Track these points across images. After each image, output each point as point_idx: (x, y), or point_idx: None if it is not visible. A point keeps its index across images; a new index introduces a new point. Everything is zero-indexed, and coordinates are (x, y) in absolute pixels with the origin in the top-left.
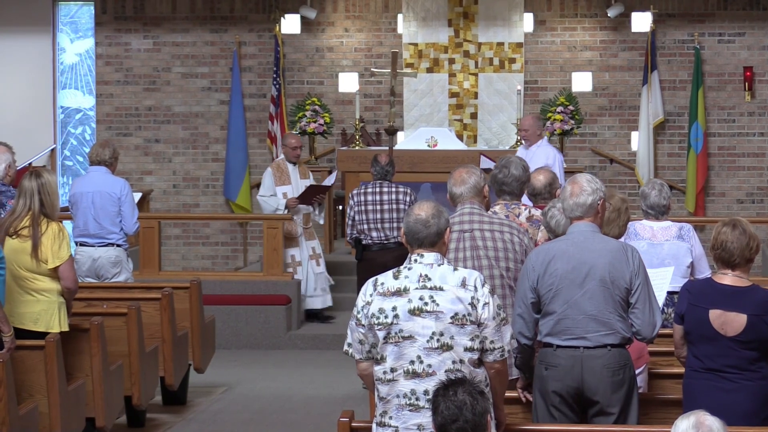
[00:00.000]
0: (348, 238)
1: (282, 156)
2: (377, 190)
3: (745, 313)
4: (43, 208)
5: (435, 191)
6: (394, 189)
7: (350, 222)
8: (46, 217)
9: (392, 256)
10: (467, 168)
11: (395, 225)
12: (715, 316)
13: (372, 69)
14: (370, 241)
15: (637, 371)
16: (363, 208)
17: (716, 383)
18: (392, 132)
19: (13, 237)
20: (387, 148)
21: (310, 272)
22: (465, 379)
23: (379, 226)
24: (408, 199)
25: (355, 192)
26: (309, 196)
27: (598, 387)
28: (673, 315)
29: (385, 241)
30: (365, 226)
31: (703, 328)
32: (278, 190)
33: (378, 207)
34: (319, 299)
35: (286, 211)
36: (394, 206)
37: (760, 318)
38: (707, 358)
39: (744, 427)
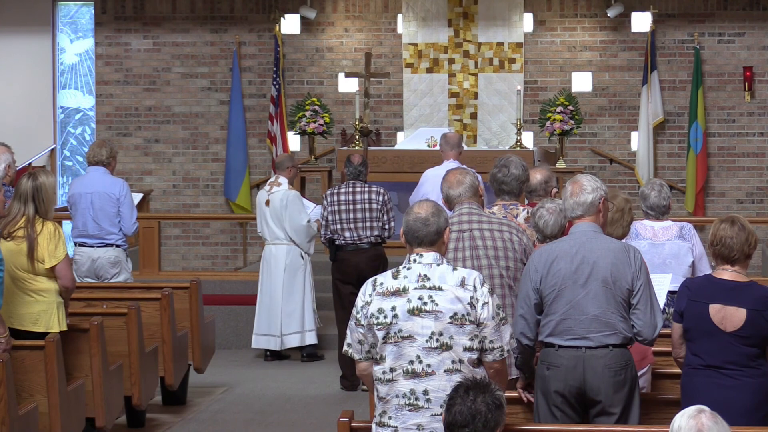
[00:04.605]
0: (322, 239)
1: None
2: (350, 190)
3: (745, 308)
4: (37, 212)
5: None
6: (366, 189)
7: (324, 222)
8: (41, 218)
9: (365, 257)
10: (460, 170)
11: (368, 225)
12: (715, 310)
13: (344, 72)
14: (343, 242)
15: (640, 372)
16: (336, 208)
17: (716, 380)
18: (366, 133)
19: (8, 239)
20: (388, 148)
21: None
22: (489, 384)
23: (351, 226)
24: (381, 198)
25: (328, 192)
26: None
27: (600, 387)
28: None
29: (358, 242)
30: (338, 226)
31: (703, 323)
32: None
33: (351, 207)
34: (299, 336)
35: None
36: (367, 206)
37: (760, 313)
38: (707, 355)
39: (744, 426)
